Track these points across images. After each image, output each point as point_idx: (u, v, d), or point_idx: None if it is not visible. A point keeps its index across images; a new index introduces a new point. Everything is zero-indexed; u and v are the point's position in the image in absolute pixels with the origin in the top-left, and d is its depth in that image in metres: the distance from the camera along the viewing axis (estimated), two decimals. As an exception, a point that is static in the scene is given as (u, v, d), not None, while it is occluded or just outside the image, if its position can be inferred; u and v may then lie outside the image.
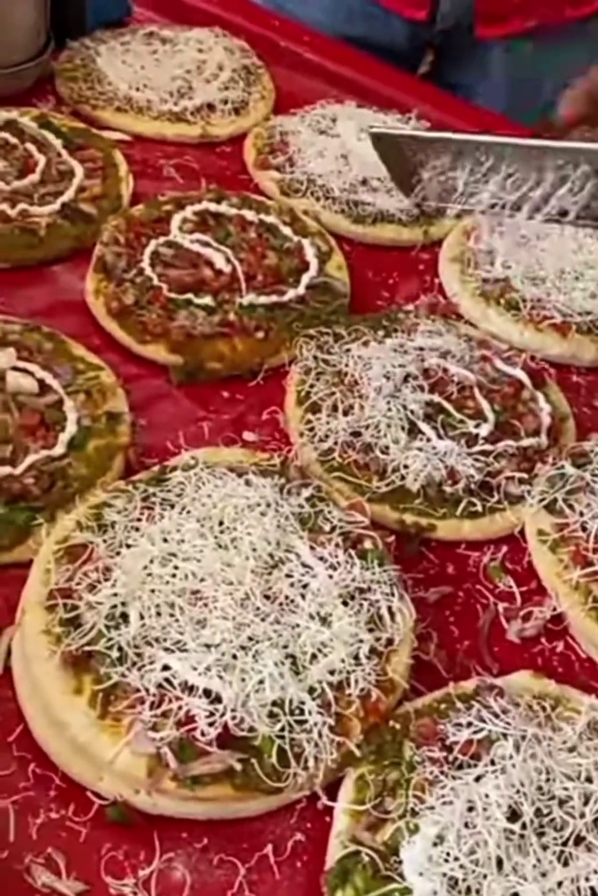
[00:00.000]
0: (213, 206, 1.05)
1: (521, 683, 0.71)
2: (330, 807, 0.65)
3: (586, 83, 0.95)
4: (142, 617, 0.66)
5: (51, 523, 0.75)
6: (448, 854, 0.59)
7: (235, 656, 0.65)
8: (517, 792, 0.62)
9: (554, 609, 0.78)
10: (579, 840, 0.61)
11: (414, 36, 1.43)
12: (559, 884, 0.59)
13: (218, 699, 0.63)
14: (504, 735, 0.64)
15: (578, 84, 0.94)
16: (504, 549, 0.84)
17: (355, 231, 1.11)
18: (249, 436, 0.89)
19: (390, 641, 0.70)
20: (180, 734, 0.62)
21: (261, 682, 0.64)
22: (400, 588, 0.73)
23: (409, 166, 0.88)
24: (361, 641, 0.68)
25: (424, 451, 0.85)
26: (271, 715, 0.64)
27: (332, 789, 0.65)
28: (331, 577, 0.71)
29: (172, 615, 0.67)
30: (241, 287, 0.97)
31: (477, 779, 0.62)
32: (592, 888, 0.59)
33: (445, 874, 0.58)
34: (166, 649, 0.65)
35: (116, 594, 0.67)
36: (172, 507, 0.74)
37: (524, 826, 0.61)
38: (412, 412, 0.87)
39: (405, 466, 0.84)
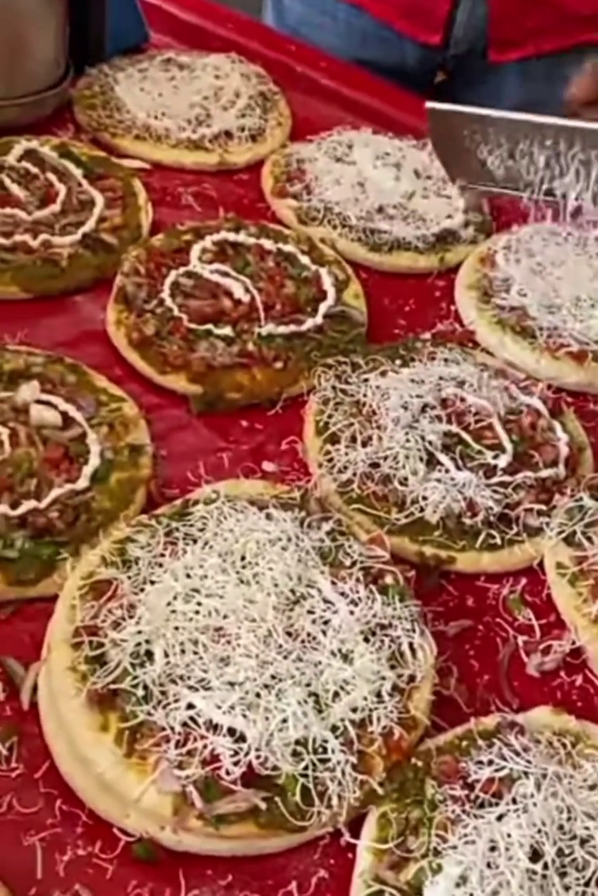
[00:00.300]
0: (231, 236, 1.06)
1: (541, 720, 0.71)
2: (353, 843, 0.65)
3: (593, 67, 0.95)
4: (166, 655, 0.67)
5: (75, 557, 0.76)
6: (472, 895, 0.59)
7: (258, 695, 0.66)
8: (539, 831, 0.62)
9: (573, 642, 0.79)
10: (601, 880, 0.62)
11: (427, 60, 1.44)
12: (582, 924, 0.60)
13: (242, 738, 0.64)
14: (526, 773, 0.65)
15: (585, 68, 0.95)
16: (523, 581, 0.84)
17: (372, 259, 1.11)
18: (268, 466, 0.90)
19: (411, 678, 0.70)
20: (205, 773, 0.63)
21: (284, 720, 0.65)
22: (421, 624, 0.73)
23: (464, 145, 0.85)
24: (383, 678, 0.69)
25: (442, 482, 0.86)
26: (295, 753, 0.64)
27: (355, 825, 0.66)
28: (352, 612, 0.72)
29: (195, 653, 0.68)
30: (259, 317, 0.98)
31: (499, 818, 0.63)
32: (614, 928, 0.60)
33: (468, 915, 0.59)
34: (191, 687, 0.66)
35: (140, 632, 0.68)
36: (195, 541, 0.75)
37: (545, 866, 0.61)
38: (430, 443, 0.88)
39: (424, 498, 0.85)
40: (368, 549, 0.78)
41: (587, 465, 0.93)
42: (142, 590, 0.71)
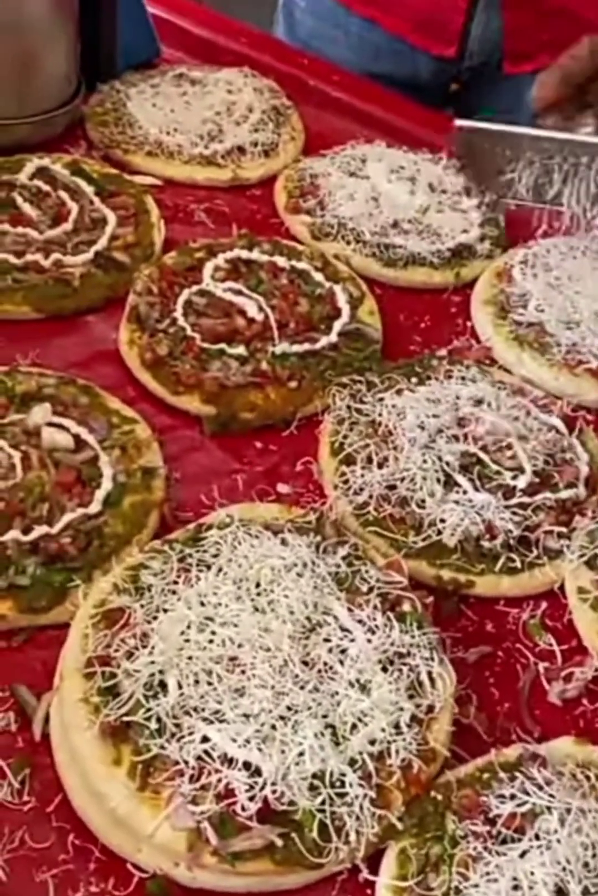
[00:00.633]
0: (244, 253, 1.05)
1: (564, 750, 0.70)
2: (372, 880, 0.64)
3: (558, 67, 0.94)
4: (180, 686, 0.66)
5: (88, 584, 0.75)
6: (495, 936, 0.58)
7: (274, 727, 0.64)
8: (563, 869, 0.61)
9: (596, 669, 0.77)
10: (627, 919, 0.60)
11: (440, 72, 1.42)
12: None
13: (258, 771, 0.63)
14: (549, 808, 0.63)
15: (551, 68, 0.93)
16: (544, 605, 0.82)
17: (387, 275, 1.10)
18: (283, 488, 0.89)
19: (430, 708, 0.69)
20: (220, 808, 0.62)
21: (301, 754, 0.63)
22: (440, 652, 0.72)
23: (494, 162, 0.86)
24: (401, 710, 0.67)
25: (460, 503, 0.84)
26: (312, 787, 0.63)
27: (373, 862, 0.64)
28: (370, 641, 0.70)
29: (210, 683, 0.66)
30: (273, 335, 0.97)
31: (522, 855, 0.61)
32: None
33: None
34: (205, 719, 0.65)
35: (153, 662, 0.67)
36: (209, 568, 0.74)
37: (571, 905, 0.59)
38: (448, 464, 0.86)
39: (442, 520, 0.83)
40: (385, 574, 0.76)
41: (607, 485, 0.91)
42: (155, 618, 0.70)
